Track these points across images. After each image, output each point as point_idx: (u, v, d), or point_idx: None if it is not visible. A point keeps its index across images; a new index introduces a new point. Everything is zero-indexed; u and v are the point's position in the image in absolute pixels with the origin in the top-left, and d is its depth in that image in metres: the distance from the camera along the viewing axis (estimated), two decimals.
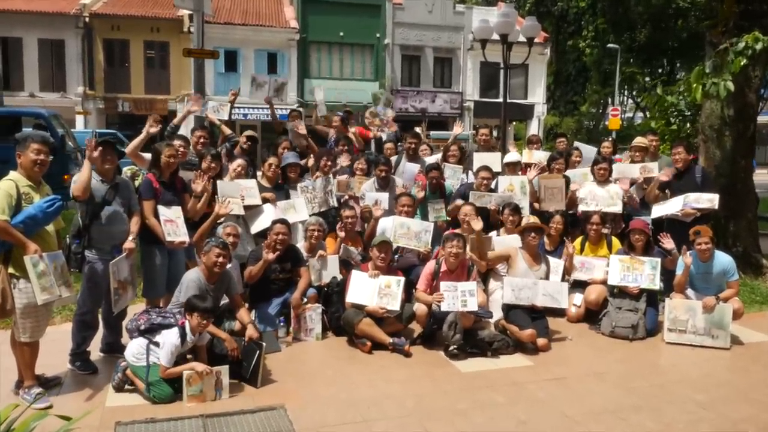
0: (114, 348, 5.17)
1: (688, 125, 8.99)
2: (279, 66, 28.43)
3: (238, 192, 6.16)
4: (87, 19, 26.94)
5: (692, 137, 8.84)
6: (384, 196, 6.80)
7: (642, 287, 5.94)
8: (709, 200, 6.43)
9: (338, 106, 9.61)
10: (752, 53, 6.79)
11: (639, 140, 7.43)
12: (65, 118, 22.81)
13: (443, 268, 5.61)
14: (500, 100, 15.79)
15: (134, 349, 4.49)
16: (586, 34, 34.71)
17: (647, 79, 41.09)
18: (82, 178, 4.70)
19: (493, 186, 7.08)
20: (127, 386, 4.49)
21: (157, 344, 4.44)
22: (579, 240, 6.73)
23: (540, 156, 7.91)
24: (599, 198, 6.84)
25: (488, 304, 5.99)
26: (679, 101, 8.40)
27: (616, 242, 6.56)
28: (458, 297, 5.32)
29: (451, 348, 5.23)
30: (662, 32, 34.17)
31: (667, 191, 6.82)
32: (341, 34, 28.78)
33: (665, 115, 8.94)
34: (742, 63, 6.83)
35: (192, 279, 4.87)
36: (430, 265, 5.72)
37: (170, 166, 5.47)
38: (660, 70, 39.68)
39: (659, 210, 6.73)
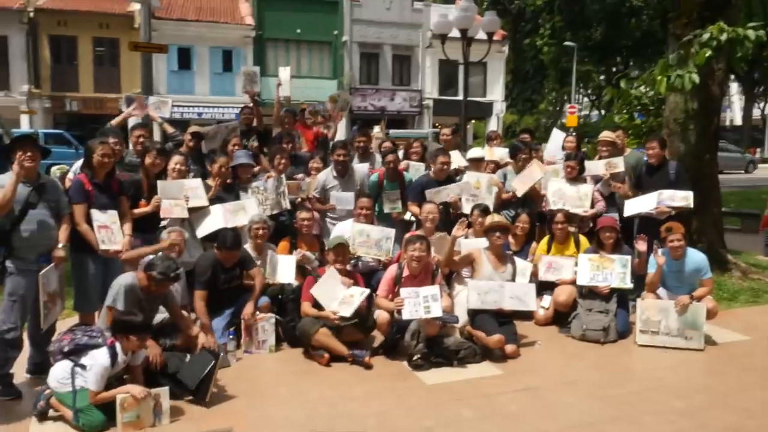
0: (43, 369, 4.61)
1: (651, 119, 8.85)
2: (234, 63, 27.68)
3: (181, 192, 5.67)
4: (32, 15, 25.70)
5: (655, 131, 8.68)
6: (349, 196, 6.40)
7: (613, 287, 5.69)
8: (684, 198, 6.19)
9: (295, 105, 9.05)
10: (717, 44, 6.62)
11: (606, 134, 7.19)
12: (9, 118, 21.83)
13: (405, 272, 5.25)
14: (459, 97, 15.62)
15: (58, 373, 3.99)
16: (543, 32, 34.95)
17: (602, 77, 41.83)
18: (3, 196, 4.14)
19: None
20: (52, 412, 3.99)
21: (83, 367, 3.94)
22: (545, 239, 6.46)
23: (501, 153, 7.63)
24: (567, 197, 6.54)
25: (453, 307, 5.67)
26: (642, 95, 8.24)
27: (584, 241, 6.29)
28: (420, 303, 4.96)
29: (415, 358, 4.87)
30: (617, 30, 34.72)
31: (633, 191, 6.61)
32: (298, 31, 28.22)
33: (629, 110, 8.79)
34: (707, 54, 6.67)
35: (125, 285, 4.38)
36: (392, 270, 5.34)
37: (104, 166, 4.97)
38: (614, 69, 40.35)
39: (632, 207, 6.49)
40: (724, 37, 6.57)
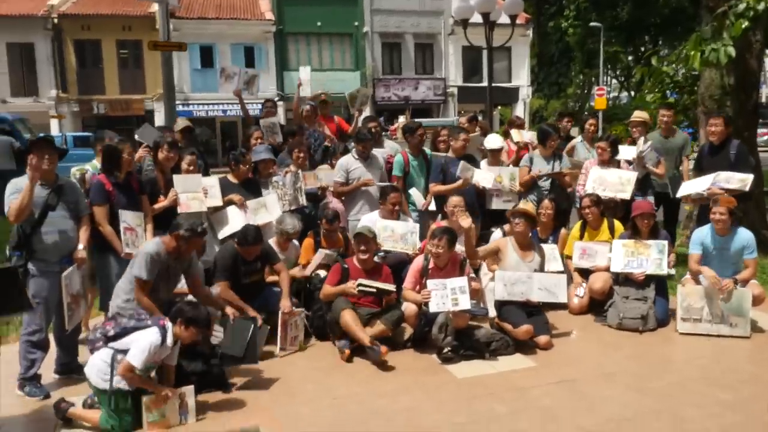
0: (71, 368, 4.63)
1: (686, 97, 8.51)
2: (256, 59, 27.76)
3: (199, 186, 5.54)
4: (56, 21, 26.16)
5: (690, 109, 8.37)
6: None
7: (648, 273, 5.44)
8: (741, 180, 5.79)
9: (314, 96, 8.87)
10: (755, 14, 6.28)
11: (637, 114, 6.92)
12: (39, 123, 22.22)
13: (432, 264, 5.08)
14: (484, 84, 15.34)
15: (98, 365, 3.78)
16: (568, 13, 34.24)
17: (630, 58, 40.93)
18: (21, 201, 4.10)
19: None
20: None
21: (125, 352, 3.74)
22: (578, 225, 6.23)
23: (529, 136, 7.40)
24: (608, 183, 6.25)
25: (484, 294, 5.48)
26: (675, 72, 7.91)
27: (618, 225, 6.03)
28: (448, 295, 4.78)
29: (445, 351, 4.71)
30: (644, 8, 33.84)
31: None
32: (318, 23, 28.10)
33: (661, 88, 8.47)
34: (743, 26, 6.33)
35: (150, 252, 4.27)
36: (418, 261, 5.17)
37: (130, 163, 5.01)
38: (642, 48, 39.41)
39: (687, 188, 6.18)
40: (761, 6, 6.23)
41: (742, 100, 7.54)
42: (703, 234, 5.39)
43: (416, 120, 7.28)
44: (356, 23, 28.86)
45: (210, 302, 4.60)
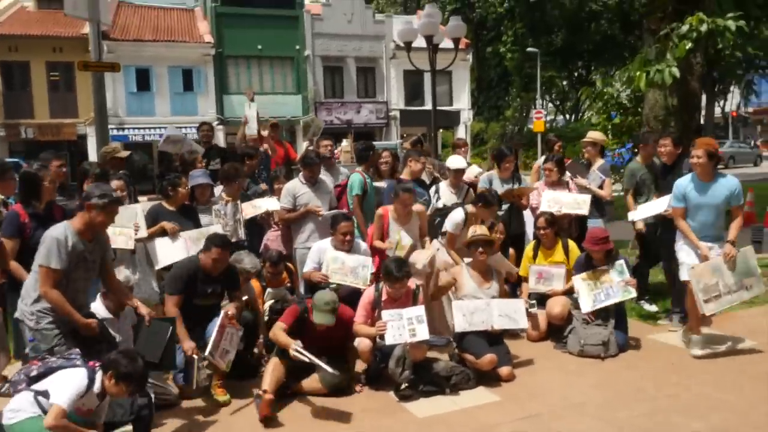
0: None
1: (630, 118, 8.60)
2: (195, 82, 27.10)
3: (132, 219, 5.00)
4: None
5: (635, 130, 8.45)
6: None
7: (618, 301, 5.26)
8: None
9: (262, 121, 8.58)
10: (697, 36, 6.37)
11: (590, 135, 6.89)
12: None
13: (384, 296, 4.75)
14: (426, 107, 15.32)
15: (16, 404, 3.28)
16: (506, 39, 35.14)
17: (564, 83, 42.41)
18: None
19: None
20: None
21: (46, 395, 3.23)
22: (531, 245, 6.07)
23: (474, 171, 7.19)
24: (563, 203, 6.12)
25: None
26: (619, 93, 7.98)
27: (573, 246, 5.90)
28: (405, 326, 4.48)
29: (402, 387, 4.40)
30: (577, 35, 35.16)
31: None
32: (259, 47, 27.68)
33: (606, 109, 8.54)
34: (687, 47, 6.42)
35: (58, 236, 3.67)
36: (369, 293, 4.83)
37: (51, 193, 4.55)
38: (576, 74, 40.87)
39: (642, 211, 6.03)
40: (704, 28, 6.32)
41: (685, 121, 7.62)
42: (684, 184, 5.11)
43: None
44: (297, 47, 28.60)
45: (121, 297, 4.16)
